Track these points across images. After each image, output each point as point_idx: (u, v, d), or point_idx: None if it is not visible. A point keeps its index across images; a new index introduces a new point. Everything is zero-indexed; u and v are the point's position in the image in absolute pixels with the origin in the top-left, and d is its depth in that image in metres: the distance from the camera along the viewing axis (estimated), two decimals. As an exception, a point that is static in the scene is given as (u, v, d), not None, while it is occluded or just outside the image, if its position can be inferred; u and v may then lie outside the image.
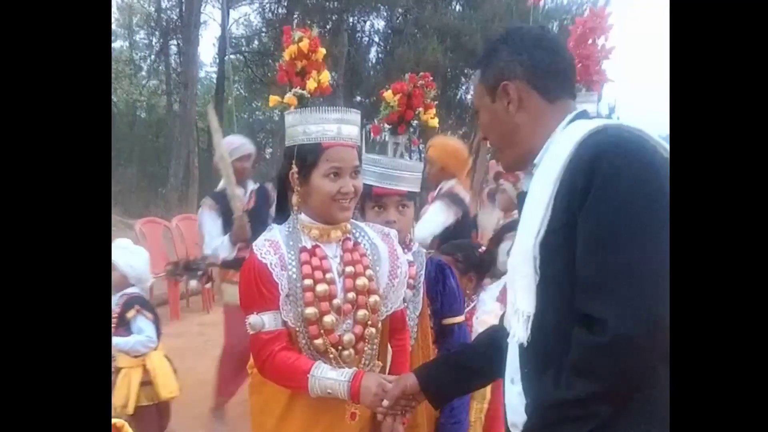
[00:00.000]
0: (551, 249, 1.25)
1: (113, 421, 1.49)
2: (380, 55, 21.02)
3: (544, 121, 1.41)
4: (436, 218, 3.72)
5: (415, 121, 2.21)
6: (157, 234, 8.52)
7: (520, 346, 1.31)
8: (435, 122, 2.27)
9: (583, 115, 1.42)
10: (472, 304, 2.49)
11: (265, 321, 1.77)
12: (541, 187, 1.30)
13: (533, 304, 1.28)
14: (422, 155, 2.51)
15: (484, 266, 2.66)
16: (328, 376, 1.72)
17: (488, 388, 2.35)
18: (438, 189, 4.02)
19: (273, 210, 3.58)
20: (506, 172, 2.13)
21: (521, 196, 1.51)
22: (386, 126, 2.17)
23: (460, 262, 2.40)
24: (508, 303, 1.40)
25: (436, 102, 2.26)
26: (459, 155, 4.13)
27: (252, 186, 4.14)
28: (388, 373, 1.93)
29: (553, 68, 1.43)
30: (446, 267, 2.18)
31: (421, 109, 2.20)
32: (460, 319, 2.18)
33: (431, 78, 2.26)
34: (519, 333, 1.30)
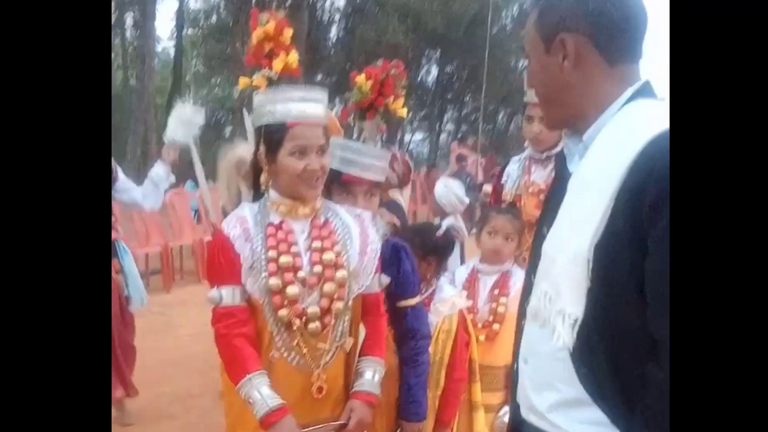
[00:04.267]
0: (610, 256, 1.13)
1: None
2: (341, 34, 20.90)
3: (600, 86, 1.25)
4: None
5: (382, 109, 2.22)
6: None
7: (563, 345, 1.22)
8: (403, 112, 2.28)
9: (647, 90, 1.26)
10: (431, 289, 2.49)
11: (222, 295, 1.80)
12: (597, 181, 1.16)
13: (582, 308, 1.17)
14: (384, 143, 2.52)
15: (442, 250, 2.63)
16: (261, 391, 1.74)
17: (442, 375, 2.40)
18: None
19: (117, 183, 3.53)
20: (549, 129, 2.02)
21: (560, 163, 1.39)
22: (354, 111, 2.17)
23: (419, 246, 2.40)
24: (541, 291, 1.28)
25: (404, 92, 2.27)
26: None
27: None
28: (359, 354, 1.95)
29: (622, 25, 1.23)
30: (401, 249, 2.18)
31: (391, 97, 2.21)
32: (413, 301, 2.19)
33: (403, 67, 2.26)
34: (564, 336, 1.20)
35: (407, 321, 2.15)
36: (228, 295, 1.80)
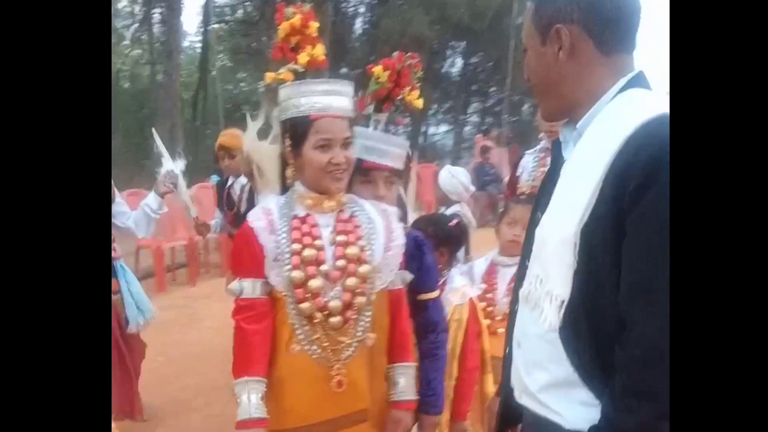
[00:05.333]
0: (594, 238, 1.17)
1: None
2: (365, 27, 20.86)
3: (595, 76, 1.28)
4: None
5: (398, 99, 2.21)
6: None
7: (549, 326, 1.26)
8: (420, 103, 2.26)
9: (640, 79, 1.29)
10: (443, 279, 2.50)
11: (244, 287, 1.81)
12: (587, 165, 1.20)
13: (568, 290, 1.21)
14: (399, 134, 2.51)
15: (455, 240, 2.64)
16: (251, 397, 1.77)
17: (454, 366, 2.38)
18: None
19: (114, 205, 3.43)
20: (546, 120, 2.04)
21: (556, 151, 1.42)
22: (371, 102, 2.16)
23: (431, 236, 2.39)
24: (533, 275, 1.33)
25: (419, 84, 2.26)
26: None
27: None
28: (388, 359, 1.95)
29: (615, 15, 1.27)
30: (423, 243, 2.16)
31: (408, 88, 2.19)
32: (434, 294, 2.17)
33: (418, 59, 2.25)
34: (551, 317, 1.24)
35: (428, 314, 2.14)
36: (249, 288, 1.81)
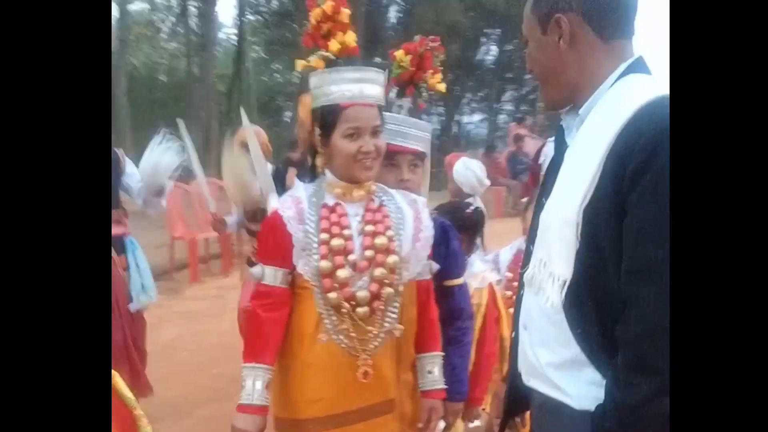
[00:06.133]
0: (596, 218, 1.19)
1: None
2: (400, 15, 20.78)
3: (595, 63, 1.31)
4: None
5: (423, 85, 2.19)
6: (176, 197, 8.57)
7: (552, 306, 1.28)
8: (442, 87, 2.24)
9: (639, 65, 1.32)
10: None
11: (265, 273, 1.82)
12: (589, 148, 1.23)
13: (570, 269, 1.23)
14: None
15: (473, 227, 2.66)
16: (256, 384, 1.78)
17: (472, 351, 2.36)
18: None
19: (124, 177, 3.34)
20: (549, 110, 2.11)
21: (559, 137, 1.44)
22: (394, 86, 2.14)
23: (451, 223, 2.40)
24: (537, 259, 1.35)
25: (442, 68, 2.23)
26: None
27: None
28: (416, 348, 1.94)
29: (614, 2, 1.30)
30: (449, 229, 2.16)
31: (430, 71, 2.16)
32: (460, 280, 2.18)
33: (440, 42, 2.22)
34: (553, 297, 1.26)
35: (454, 300, 2.14)
36: (270, 275, 1.81)
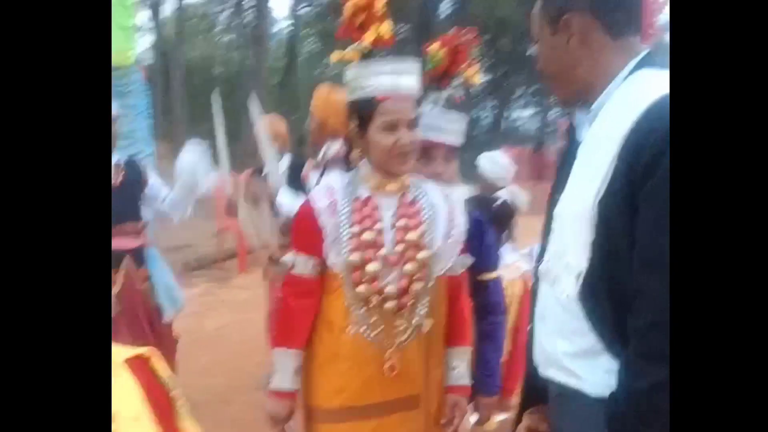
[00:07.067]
0: (610, 211, 1.21)
1: (140, 351, 1.46)
2: (453, 9, 20.61)
3: (606, 59, 1.34)
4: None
5: (459, 79, 2.17)
6: (225, 189, 8.73)
7: (567, 297, 1.31)
8: (478, 78, 2.21)
9: (649, 60, 1.33)
10: None
11: (296, 261, 1.83)
12: (602, 143, 1.24)
13: (585, 261, 1.26)
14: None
15: (502, 220, 2.70)
16: (287, 368, 1.82)
17: (508, 339, 2.33)
18: (322, 153, 3.32)
19: (147, 189, 3.15)
20: (562, 107, 2.10)
21: (570, 133, 1.47)
22: (429, 80, 2.13)
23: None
24: (551, 252, 1.38)
25: (476, 60, 2.21)
26: (343, 110, 3.31)
27: (117, 158, 3.22)
28: (445, 342, 1.92)
29: (622, 0, 1.33)
30: (484, 222, 2.12)
31: (465, 64, 2.14)
32: (494, 274, 2.15)
33: (476, 34, 2.19)
34: (568, 288, 1.29)
35: (488, 294, 2.11)
36: (301, 264, 1.82)
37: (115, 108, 2.96)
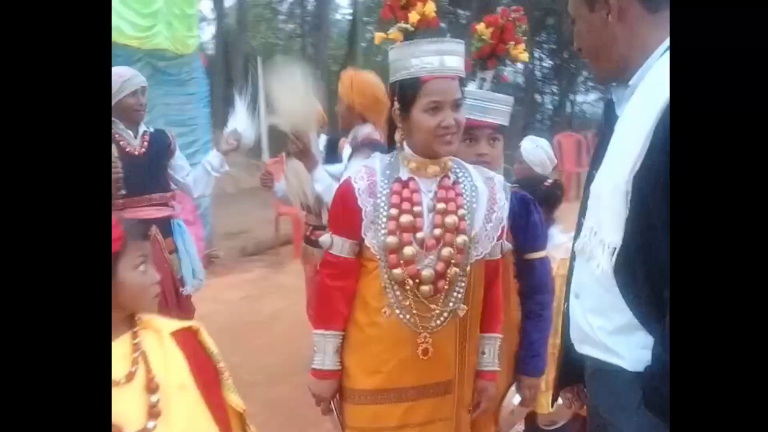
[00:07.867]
0: (645, 186, 1.21)
1: (188, 324, 1.49)
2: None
3: (643, 34, 1.33)
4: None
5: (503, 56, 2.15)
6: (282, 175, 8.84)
7: (603, 272, 1.30)
8: (525, 56, 2.18)
9: None
10: None
11: (334, 242, 1.83)
12: (639, 118, 1.23)
13: (620, 236, 1.26)
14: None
15: (551, 200, 2.67)
16: (327, 348, 1.85)
17: (560, 322, 2.28)
18: (351, 136, 3.32)
19: (173, 159, 3.26)
20: (600, 84, 2.08)
21: (609, 109, 1.46)
22: (476, 60, 2.11)
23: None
24: (587, 228, 1.38)
25: (525, 38, 2.17)
26: (368, 92, 3.23)
27: (144, 128, 3.22)
28: (481, 328, 1.90)
29: None
30: (530, 202, 2.12)
31: (512, 43, 2.11)
32: (542, 254, 2.14)
33: (522, 12, 2.15)
34: (603, 264, 1.29)
35: (535, 274, 2.10)
36: (338, 245, 1.83)
37: (174, 95, 3.05)
